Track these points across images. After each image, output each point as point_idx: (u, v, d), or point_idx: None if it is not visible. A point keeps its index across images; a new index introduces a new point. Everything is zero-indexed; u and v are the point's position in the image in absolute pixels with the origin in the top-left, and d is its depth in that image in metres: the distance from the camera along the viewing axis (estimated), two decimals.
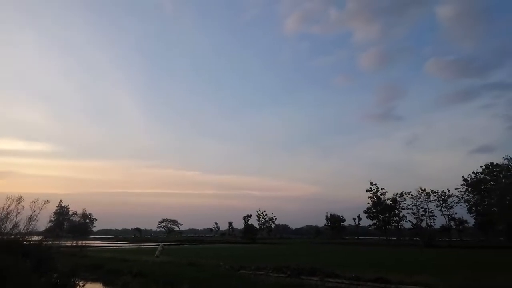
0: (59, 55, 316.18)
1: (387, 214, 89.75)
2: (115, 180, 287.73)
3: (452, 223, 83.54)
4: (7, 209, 19.97)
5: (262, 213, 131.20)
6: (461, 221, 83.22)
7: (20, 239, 19.89)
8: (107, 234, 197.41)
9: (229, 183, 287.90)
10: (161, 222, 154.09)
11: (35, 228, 21.37)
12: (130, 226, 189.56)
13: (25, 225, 20.47)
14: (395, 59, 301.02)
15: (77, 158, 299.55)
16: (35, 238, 21.36)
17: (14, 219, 20.21)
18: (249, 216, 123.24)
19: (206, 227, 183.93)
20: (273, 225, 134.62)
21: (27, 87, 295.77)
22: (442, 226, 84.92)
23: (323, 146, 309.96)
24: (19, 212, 20.32)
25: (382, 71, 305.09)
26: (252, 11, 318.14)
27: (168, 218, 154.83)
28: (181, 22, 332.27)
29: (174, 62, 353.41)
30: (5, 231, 19.91)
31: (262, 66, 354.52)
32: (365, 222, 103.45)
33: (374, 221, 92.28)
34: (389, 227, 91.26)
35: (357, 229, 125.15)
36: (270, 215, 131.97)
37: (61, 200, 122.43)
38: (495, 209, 72.58)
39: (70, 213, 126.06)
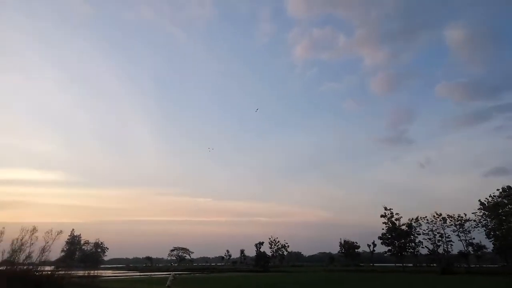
0: (74, 85, 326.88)
1: (403, 240, 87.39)
2: (127, 208, 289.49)
3: (470, 248, 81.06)
4: (21, 240, 20.32)
5: (274, 240, 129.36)
6: (479, 247, 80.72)
7: (33, 270, 20.10)
8: (118, 263, 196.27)
9: (240, 210, 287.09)
10: (172, 250, 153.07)
11: (48, 258, 21.58)
12: (141, 254, 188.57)
13: (38, 256, 20.74)
14: (405, 83, 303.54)
15: (89, 187, 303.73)
16: (47, 268, 21.52)
17: (28, 250, 20.52)
18: (261, 243, 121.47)
19: (217, 255, 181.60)
20: (285, 253, 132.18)
21: (43, 118, 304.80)
22: (460, 252, 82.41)
23: (332, 170, 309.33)
24: (32, 243, 20.64)
25: (392, 95, 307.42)
26: (262, 39, 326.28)
27: (180, 246, 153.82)
28: (193, 50, 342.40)
29: (186, 90, 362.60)
30: (19, 262, 20.16)
31: (271, 92, 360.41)
32: (380, 248, 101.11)
33: (390, 247, 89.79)
34: (405, 253, 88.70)
35: (372, 256, 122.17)
36: (282, 242, 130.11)
37: (73, 229, 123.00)
38: None
39: (82, 242, 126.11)
